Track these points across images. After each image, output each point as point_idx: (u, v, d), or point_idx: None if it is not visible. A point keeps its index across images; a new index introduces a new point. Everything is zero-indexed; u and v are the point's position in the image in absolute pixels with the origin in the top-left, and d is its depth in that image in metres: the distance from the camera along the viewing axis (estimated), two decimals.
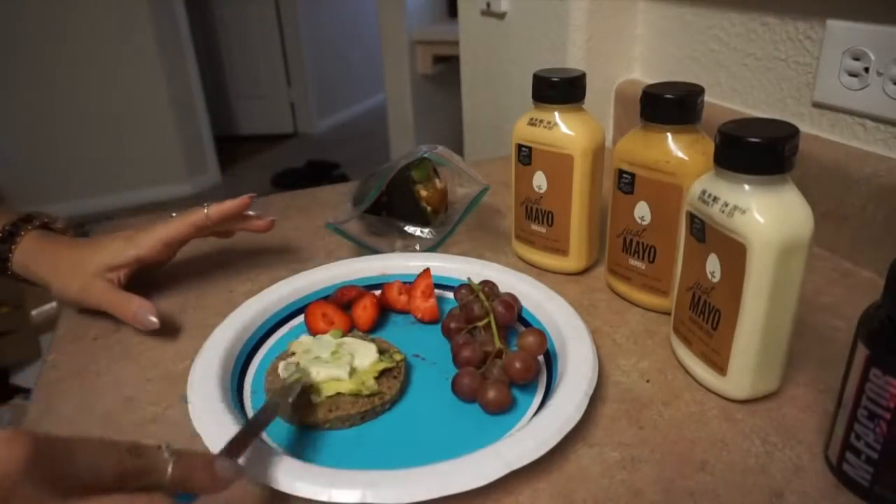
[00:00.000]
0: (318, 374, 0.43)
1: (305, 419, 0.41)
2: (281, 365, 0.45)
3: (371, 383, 0.43)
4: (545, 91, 0.55)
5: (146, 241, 0.54)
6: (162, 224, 0.55)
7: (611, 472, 0.38)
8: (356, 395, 0.42)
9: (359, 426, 0.42)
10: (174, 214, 0.57)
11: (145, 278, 0.59)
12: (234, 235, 0.62)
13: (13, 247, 0.53)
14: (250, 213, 0.59)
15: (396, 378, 0.44)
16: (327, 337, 0.47)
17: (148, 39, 3.05)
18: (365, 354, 0.45)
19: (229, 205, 0.56)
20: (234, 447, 0.34)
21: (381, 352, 0.46)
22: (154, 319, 0.50)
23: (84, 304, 0.53)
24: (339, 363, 0.44)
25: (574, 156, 0.55)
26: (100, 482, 0.28)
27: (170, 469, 0.29)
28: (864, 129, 0.60)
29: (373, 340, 0.47)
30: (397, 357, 0.46)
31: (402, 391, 0.45)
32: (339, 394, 0.42)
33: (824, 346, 0.48)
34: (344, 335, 0.48)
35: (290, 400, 0.40)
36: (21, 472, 0.25)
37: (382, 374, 0.44)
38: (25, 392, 1.77)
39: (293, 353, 0.46)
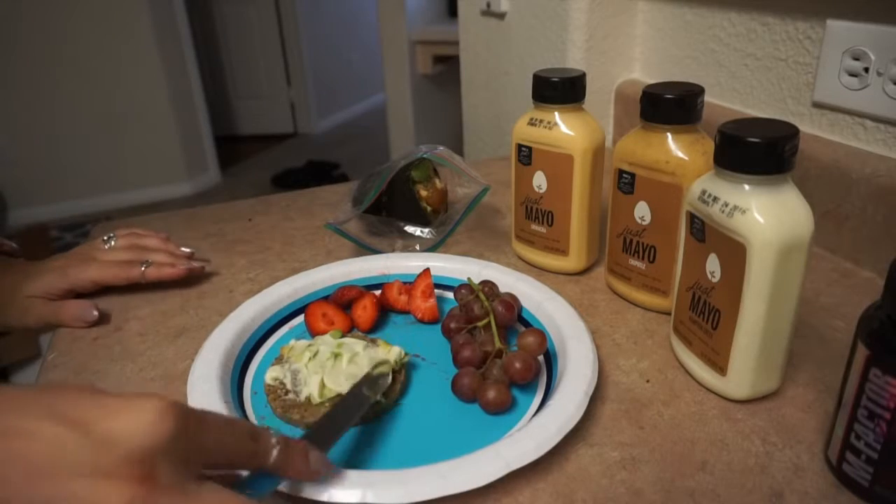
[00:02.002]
0: (323, 378, 0.43)
1: (306, 419, 0.41)
2: (271, 371, 0.45)
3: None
4: (545, 91, 0.55)
5: (79, 277, 0.56)
6: (97, 266, 0.57)
7: (611, 472, 0.38)
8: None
9: (359, 426, 0.42)
10: (112, 238, 0.60)
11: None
12: (228, 234, 0.62)
13: None
14: (186, 250, 0.63)
15: (397, 378, 0.44)
16: (326, 337, 0.47)
17: (148, 39, 3.05)
18: (365, 356, 0.45)
19: (168, 273, 0.58)
20: (325, 439, 0.36)
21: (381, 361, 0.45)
22: (94, 312, 0.54)
23: (25, 326, 0.55)
24: (339, 367, 0.44)
25: (574, 156, 0.55)
26: (220, 461, 0.29)
27: (274, 454, 0.31)
28: (864, 129, 0.60)
29: (373, 341, 0.47)
30: (399, 359, 0.46)
31: (403, 391, 0.45)
32: (339, 395, 0.42)
33: (824, 346, 0.48)
34: (343, 336, 0.48)
35: (378, 395, 0.41)
36: (167, 446, 0.25)
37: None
38: None
39: (286, 359, 0.46)
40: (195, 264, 0.61)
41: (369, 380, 0.42)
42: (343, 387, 0.42)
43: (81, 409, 0.24)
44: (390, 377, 0.43)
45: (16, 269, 0.57)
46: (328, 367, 0.43)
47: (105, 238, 0.60)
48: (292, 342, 0.47)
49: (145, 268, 0.58)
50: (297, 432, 0.41)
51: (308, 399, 0.42)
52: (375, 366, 0.43)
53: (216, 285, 0.61)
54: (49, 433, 0.23)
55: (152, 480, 0.24)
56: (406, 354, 0.46)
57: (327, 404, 0.42)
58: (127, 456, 0.24)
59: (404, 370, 0.46)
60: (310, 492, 0.34)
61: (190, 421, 0.26)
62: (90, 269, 0.57)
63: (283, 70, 4.29)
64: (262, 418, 0.43)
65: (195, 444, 0.27)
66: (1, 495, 0.22)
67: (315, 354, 0.45)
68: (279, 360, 0.46)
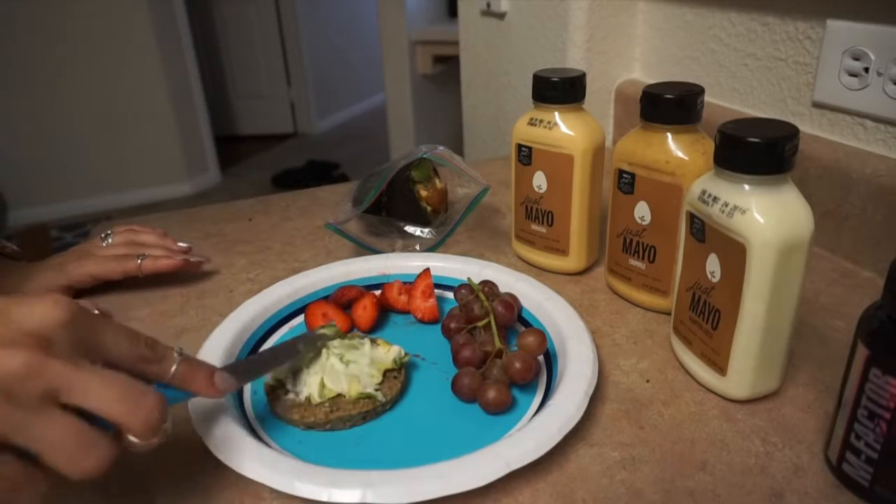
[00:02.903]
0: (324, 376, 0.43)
1: (306, 419, 0.41)
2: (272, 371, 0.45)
3: (371, 385, 0.43)
4: (545, 91, 0.55)
5: (77, 273, 0.57)
6: (94, 260, 0.58)
7: (611, 472, 0.38)
8: (358, 396, 0.42)
9: (359, 426, 0.42)
10: (109, 235, 0.60)
11: (144, 281, 0.59)
12: (228, 234, 0.61)
13: None
14: (183, 245, 0.63)
15: (397, 378, 0.44)
16: (335, 341, 0.47)
17: (148, 39, 3.04)
18: (365, 356, 0.45)
19: (164, 264, 0.58)
20: (239, 370, 0.38)
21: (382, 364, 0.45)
22: (95, 312, 0.53)
23: None
24: (339, 367, 0.44)
25: (574, 156, 0.55)
26: (116, 360, 0.31)
27: (174, 367, 0.33)
28: (864, 129, 0.60)
29: (374, 341, 0.47)
30: (399, 358, 0.46)
31: (403, 391, 0.45)
32: (339, 395, 0.42)
33: (824, 346, 0.48)
34: (338, 330, 0.48)
35: (309, 355, 0.43)
36: (61, 327, 0.28)
37: (384, 374, 0.44)
38: None
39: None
40: (193, 258, 0.61)
41: (308, 337, 0.44)
42: (343, 387, 0.42)
43: None
44: (333, 339, 0.45)
45: (16, 271, 0.57)
46: (328, 368, 0.43)
47: (102, 236, 0.61)
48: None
49: (141, 260, 0.58)
50: (296, 432, 0.41)
51: (308, 399, 0.42)
52: (321, 327, 0.45)
53: (216, 285, 0.61)
54: None
55: (47, 350, 0.27)
56: (406, 354, 0.46)
57: (327, 404, 0.42)
58: (25, 329, 0.28)
59: (404, 370, 0.46)
60: (310, 492, 0.34)
61: (86, 316, 0.30)
62: (87, 264, 0.57)
63: (283, 70, 4.29)
64: (262, 418, 0.43)
65: (90, 334, 0.30)
66: None
67: (315, 355, 0.45)
68: None
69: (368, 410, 0.42)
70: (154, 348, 0.33)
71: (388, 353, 0.45)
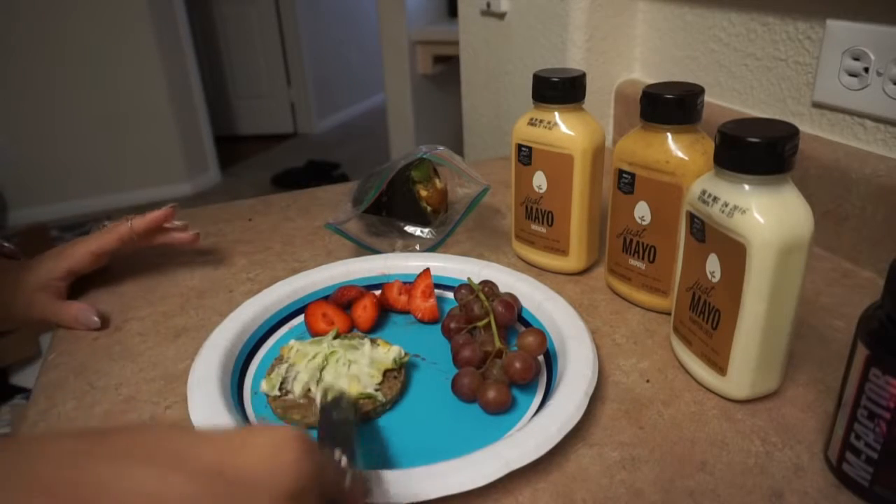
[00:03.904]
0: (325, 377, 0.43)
1: (307, 419, 0.41)
2: (274, 372, 0.45)
3: (372, 385, 0.43)
4: (545, 91, 0.55)
5: (76, 253, 0.56)
6: (90, 237, 0.57)
7: (611, 472, 0.38)
8: (358, 396, 0.42)
9: (359, 426, 0.42)
10: (106, 223, 0.60)
11: (145, 279, 0.59)
12: (228, 234, 0.61)
13: None
14: (176, 223, 0.62)
15: (397, 378, 0.44)
16: (326, 338, 0.47)
17: (148, 39, 3.04)
18: (365, 357, 0.45)
19: (151, 216, 0.58)
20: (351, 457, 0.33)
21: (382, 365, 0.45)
22: (95, 319, 0.53)
23: (30, 320, 0.55)
24: (339, 368, 0.43)
25: (574, 156, 0.55)
26: (328, 490, 0.27)
27: (347, 482, 0.29)
28: (864, 129, 0.60)
29: (373, 341, 0.47)
30: (399, 358, 0.46)
31: (403, 391, 0.45)
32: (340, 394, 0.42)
33: (824, 346, 0.48)
34: (338, 335, 0.48)
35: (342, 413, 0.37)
36: (311, 482, 0.23)
37: (384, 374, 0.44)
38: (25, 392, 1.77)
39: (286, 359, 0.46)
40: (183, 231, 0.61)
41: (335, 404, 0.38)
42: (343, 387, 0.42)
43: (195, 450, 0.21)
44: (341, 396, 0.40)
45: (14, 268, 0.57)
46: (328, 368, 0.43)
47: (100, 227, 0.61)
48: (292, 342, 0.47)
49: (131, 221, 0.58)
50: None
51: (308, 399, 0.42)
52: (323, 394, 0.40)
53: (216, 285, 0.61)
54: (179, 487, 0.19)
55: None
56: (406, 354, 0.46)
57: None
58: (283, 495, 0.21)
59: (404, 370, 0.46)
60: None
61: (319, 455, 0.24)
62: (84, 243, 0.57)
63: (283, 70, 4.29)
64: (262, 418, 0.43)
65: (323, 477, 0.25)
66: None
67: (315, 355, 0.45)
68: (279, 360, 0.46)
69: (369, 410, 0.42)
70: (342, 472, 0.29)
71: (388, 353, 0.45)
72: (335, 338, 0.47)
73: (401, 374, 0.45)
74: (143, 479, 0.19)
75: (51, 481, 0.18)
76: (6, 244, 0.60)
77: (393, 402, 0.44)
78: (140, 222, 0.58)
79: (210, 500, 0.19)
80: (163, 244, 0.61)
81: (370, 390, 0.42)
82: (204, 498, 0.19)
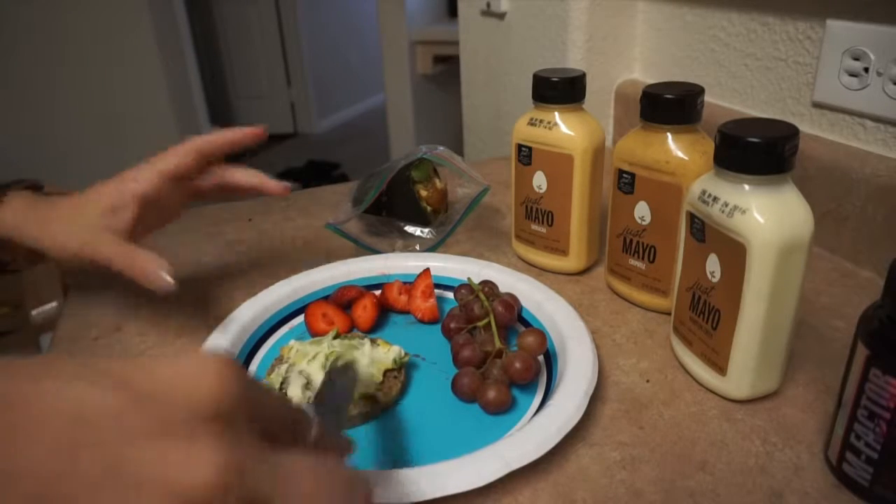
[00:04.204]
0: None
1: None
2: (275, 372, 0.45)
3: (372, 385, 0.43)
4: (545, 91, 0.55)
5: (143, 175, 0.46)
6: (157, 156, 0.48)
7: (611, 472, 0.38)
8: (358, 397, 0.42)
9: (359, 426, 0.42)
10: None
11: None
12: (228, 234, 0.60)
13: None
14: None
15: (397, 378, 0.44)
16: (326, 338, 0.47)
17: (148, 39, 3.04)
18: (365, 357, 0.45)
19: (233, 130, 0.49)
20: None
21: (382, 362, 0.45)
22: (169, 278, 0.43)
23: (86, 261, 0.45)
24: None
25: (574, 156, 0.54)
26: (274, 433, 0.24)
27: (314, 430, 0.26)
28: (864, 129, 0.60)
29: (373, 341, 0.47)
30: (399, 358, 0.46)
31: (403, 391, 0.45)
32: None
33: (824, 346, 0.48)
34: (338, 335, 0.48)
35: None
36: (236, 404, 0.21)
37: (385, 374, 0.44)
38: None
39: (286, 359, 0.46)
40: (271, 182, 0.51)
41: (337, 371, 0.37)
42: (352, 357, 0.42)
43: (129, 373, 0.20)
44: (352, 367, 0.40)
45: (74, 196, 0.48)
46: (328, 368, 0.43)
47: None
48: (292, 342, 0.47)
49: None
50: None
51: (308, 400, 0.42)
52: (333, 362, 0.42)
53: (216, 286, 0.61)
54: (111, 401, 0.19)
55: (237, 441, 0.20)
56: (406, 354, 0.46)
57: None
58: (198, 413, 0.20)
59: (404, 370, 0.46)
60: None
61: (250, 379, 0.23)
62: (147, 164, 0.47)
63: (283, 70, 4.29)
64: None
65: (256, 411, 0.23)
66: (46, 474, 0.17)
67: (315, 356, 0.45)
68: (279, 360, 0.46)
69: (368, 411, 0.42)
70: (301, 411, 0.26)
71: (388, 353, 0.45)
72: (335, 338, 0.47)
73: (401, 374, 0.45)
74: (66, 393, 0.18)
75: None
76: (40, 183, 0.51)
77: (393, 402, 0.44)
78: (218, 136, 0.48)
79: (134, 414, 0.19)
80: (248, 192, 0.52)
81: (370, 390, 0.42)
82: (127, 412, 0.19)
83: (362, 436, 0.41)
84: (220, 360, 0.22)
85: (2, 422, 0.17)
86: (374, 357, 0.45)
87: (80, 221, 0.45)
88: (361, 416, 0.42)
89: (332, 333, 0.48)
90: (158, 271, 0.43)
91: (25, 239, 0.47)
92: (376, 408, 0.42)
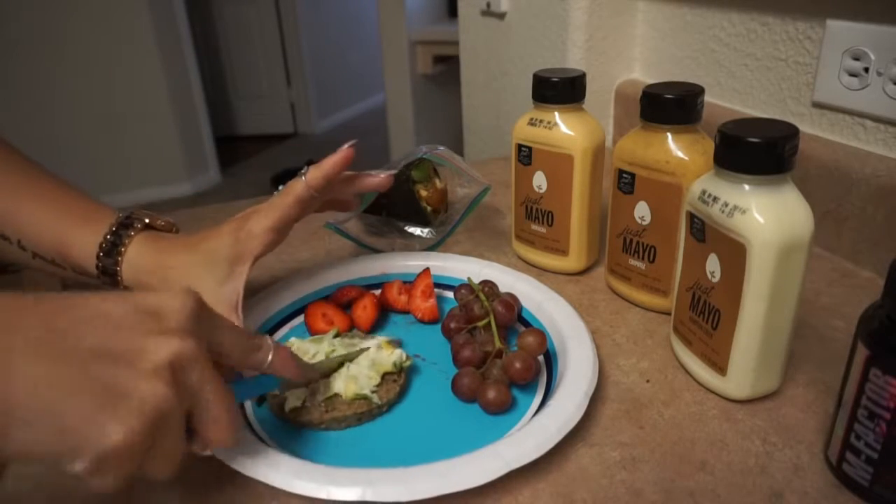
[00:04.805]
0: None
1: (301, 418, 0.41)
2: None
3: (369, 387, 0.43)
4: (545, 91, 0.55)
5: (255, 237, 0.46)
6: (262, 210, 0.47)
7: (611, 472, 0.38)
8: (353, 397, 0.42)
9: (359, 426, 0.42)
10: (281, 188, 0.49)
11: None
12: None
13: (119, 258, 0.46)
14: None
15: (396, 382, 0.44)
16: (327, 337, 0.47)
17: (148, 39, 3.04)
18: (366, 357, 0.45)
19: (329, 162, 0.47)
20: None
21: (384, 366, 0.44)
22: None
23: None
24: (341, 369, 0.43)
25: (574, 156, 0.54)
26: (228, 352, 0.34)
27: (270, 356, 0.36)
28: (864, 129, 0.60)
29: (388, 342, 0.46)
30: (400, 362, 0.45)
31: (401, 395, 0.45)
32: (336, 395, 0.42)
33: (824, 346, 0.48)
34: (338, 334, 0.48)
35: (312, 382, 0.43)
36: (191, 318, 0.31)
37: (383, 377, 0.44)
38: None
39: None
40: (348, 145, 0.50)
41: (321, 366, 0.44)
42: (339, 387, 0.42)
43: (124, 294, 0.31)
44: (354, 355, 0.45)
45: (190, 251, 0.47)
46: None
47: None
48: (292, 340, 0.47)
49: (304, 175, 0.47)
50: (295, 430, 0.41)
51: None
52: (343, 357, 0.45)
53: None
54: (119, 308, 0.30)
55: (192, 340, 0.30)
56: (408, 358, 0.46)
57: (323, 404, 0.42)
58: (170, 320, 0.30)
59: (405, 374, 0.45)
60: (309, 490, 0.34)
61: (209, 309, 0.33)
62: (258, 220, 0.46)
63: (283, 70, 4.29)
64: (261, 417, 0.43)
65: (210, 334, 0.33)
66: (90, 341, 0.28)
67: (314, 354, 0.45)
68: None
69: (363, 412, 0.42)
70: (260, 346, 0.36)
71: (390, 356, 0.45)
72: (335, 336, 0.47)
73: (400, 378, 0.45)
74: (98, 306, 0.30)
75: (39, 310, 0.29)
76: (149, 216, 0.50)
77: (389, 406, 0.43)
78: (316, 175, 0.47)
79: (133, 318, 0.30)
80: (353, 194, 0.52)
81: (366, 392, 0.42)
82: (128, 315, 0.30)
83: (362, 435, 0.41)
84: (189, 289, 0.32)
85: (66, 316, 0.29)
86: (374, 359, 0.44)
87: (202, 289, 0.42)
88: (356, 416, 0.42)
89: (332, 332, 0.48)
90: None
91: (144, 289, 0.47)
92: (371, 410, 0.42)
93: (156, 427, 0.28)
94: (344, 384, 0.42)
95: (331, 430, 0.42)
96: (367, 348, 0.45)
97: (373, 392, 0.42)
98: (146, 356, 0.29)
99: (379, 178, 0.52)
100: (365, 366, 0.44)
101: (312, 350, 0.45)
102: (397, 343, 0.47)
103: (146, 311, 0.30)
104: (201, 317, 0.32)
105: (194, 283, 0.45)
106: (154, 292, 0.32)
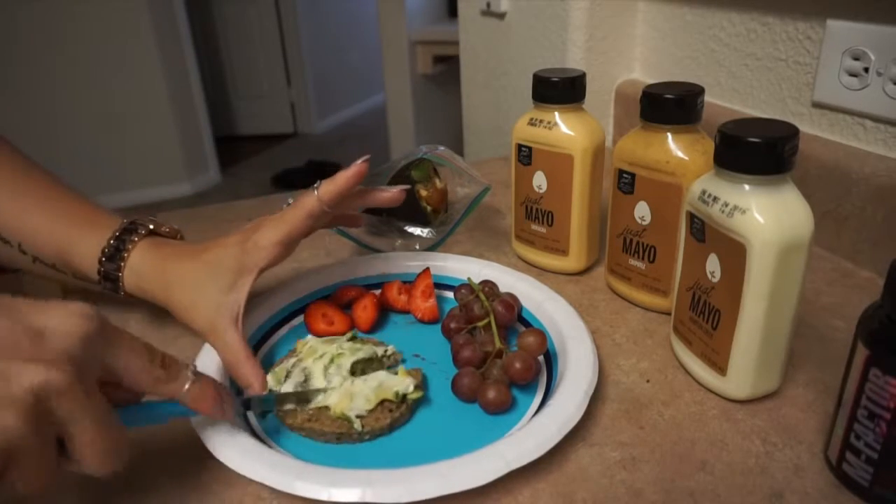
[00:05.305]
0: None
1: (286, 418, 0.41)
2: (280, 364, 0.45)
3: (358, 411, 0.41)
4: (545, 91, 0.55)
5: (260, 249, 0.45)
6: (271, 223, 0.46)
7: (611, 472, 0.38)
8: (338, 415, 0.41)
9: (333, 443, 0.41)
10: (290, 201, 0.48)
11: None
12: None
13: (122, 264, 0.47)
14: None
15: (392, 413, 0.41)
16: (340, 339, 0.46)
17: (148, 39, 3.04)
18: (376, 378, 0.42)
19: (342, 177, 0.46)
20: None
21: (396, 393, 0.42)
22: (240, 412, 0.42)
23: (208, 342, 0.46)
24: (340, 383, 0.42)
25: (574, 156, 0.55)
26: (131, 384, 0.32)
27: (186, 387, 0.34)
28: (864, 129, 0.60)
29: (407, 371, 0.44)
30: (407, 393, 0.42)
31: (394, 427, 0.41)
32: (326, 407, 0.41)
33: (824, 346, 0.48)
34: (353, 338, 0.47)
35: (285, 408, 0.42)
36: (83, 343, 0.29)
37: (380, 403, 0.41)
38: None
39: (298, 353, 0.46)
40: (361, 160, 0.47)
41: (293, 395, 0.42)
42: (332, 400, 0.41)
43: (14, 305, 0.29)
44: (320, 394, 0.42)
45: (194, 260, 0.46)
46: (330, 370, 0.43)
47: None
48: (308, 338, 0.47)
49: (317, 189, 0.46)
50: (296, 436, 0.41)
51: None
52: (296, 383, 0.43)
53: None
54: (1, 323, 0.28)
55: (68, 370, 0.28)
56: (415, 390, 0.42)
57: (311, 412, 0.41)
58: (54, 347, 0.28)
59: (406, 406, 0.42)
60: (310, 491, 0.34)
61: (108, 331, 0.31)
62: (266, 233, 0.46)
63: (283, 70, 4.29)
64: (261, 418, 0.43)
65: (109, 354, 0.31)
66: None
67: (322, 355, 0.44)
68: (292, 353, 0.46)
69: (343, 433, 0.40)
70: (168, 368, 0.33)
71: (395, 383, 0.42)
72: (349, 339, 0.47)
73: (398, 410, 0.41)
74: None
75: None
76: (154, 223, 0.50)
77: (373, 436, 0.41)
78: (329, 190, 0.46)
79: (11, 337, 0.28)
80: (362, 207, 0.51)
81: (350, 415, 0.40)
82: (8, 334, 0.28)
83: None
84: (84, 307, 0.30)
85: None
86: (383, 381, 0.42)
87: (204, 298, 0.45)
88: (335, 434, 0.40)
89: (348, 335, 0.47)
90: (256, 391, 0.43)
91: (153, 300, 0.48)
92: (351, 433, 0.40)
93: (4, 455, 0.26)
94: (337, 399, 0.41)
95: (310, 438, 0.41)
96: (375, 358, 0.45)
97: (357, 417, 0.40)
98: (7, 383, 0.27)
99: (391, 194, 0.50)
100: (370, 385, 0.42)
101: (322, 350, 0.44)
102: (417, 374, 0.44)
103: (28, 332, 0.28)
104: (93, 341, 0.30)
105: (196, 292, 0.45)
106: (50, 309, 0.29)
